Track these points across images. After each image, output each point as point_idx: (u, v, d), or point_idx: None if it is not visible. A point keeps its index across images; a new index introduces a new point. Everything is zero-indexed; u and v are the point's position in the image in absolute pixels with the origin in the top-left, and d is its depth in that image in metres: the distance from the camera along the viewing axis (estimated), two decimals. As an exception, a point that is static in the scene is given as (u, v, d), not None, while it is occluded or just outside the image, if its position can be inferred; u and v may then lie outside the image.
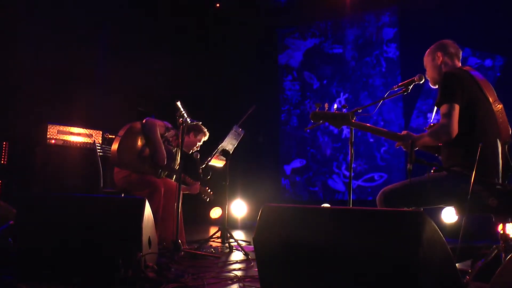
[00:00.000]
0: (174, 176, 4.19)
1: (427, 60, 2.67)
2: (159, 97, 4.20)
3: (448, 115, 2.30)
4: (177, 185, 3.50)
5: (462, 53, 2.65)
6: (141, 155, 3.86)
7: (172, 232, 3.57)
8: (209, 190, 4.30)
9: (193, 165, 3.99)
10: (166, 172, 4.11)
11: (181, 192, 3.56)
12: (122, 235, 2.39)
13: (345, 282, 1.69)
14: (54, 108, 5.20)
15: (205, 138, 4.28)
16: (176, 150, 4.16)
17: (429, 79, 2.67)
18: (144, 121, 3.92)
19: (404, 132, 2.49)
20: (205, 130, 4.25)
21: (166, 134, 4.05)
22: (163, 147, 3.90)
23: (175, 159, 4.13)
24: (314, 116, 2.65)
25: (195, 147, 4.24)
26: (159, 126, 3.95)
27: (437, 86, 2.59)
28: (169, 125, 4.09)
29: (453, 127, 2.29)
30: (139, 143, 3.88)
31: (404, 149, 2.50)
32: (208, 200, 4.34)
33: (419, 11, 5.72)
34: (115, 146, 3.79)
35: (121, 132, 3.83)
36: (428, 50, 2.67)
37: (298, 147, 6.91)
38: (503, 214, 2.20)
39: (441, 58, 2.58)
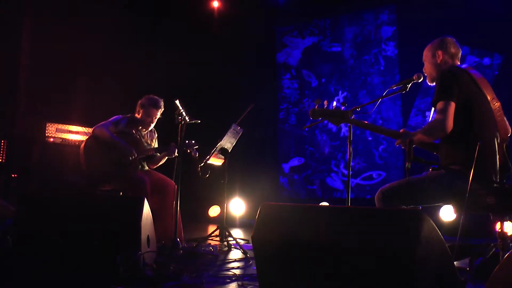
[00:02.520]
0: (159, 154, 4.11)
1: (426, 55, 2.66)
2: (158, 96, 4.21)
3: (443, 111, 2.31)
4: (174, 183, 3.49)
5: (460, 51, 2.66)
6: (111, 161, 3.83)
7: (170, 230, 3.57)
8: (191, 142, 3.94)
9: (191, 164, 3.99)
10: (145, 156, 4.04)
11: (179, 190, 3.56)
12: (121, 234, 2.40)
13: (343, 280, 1.70)
14: (52, 106, 5.20)
15: (160, 109, 4.03)
16: (139, 134, 4.08)
17: (426, 74, 2.66)
18: (92, 131, 3.88)
19: (402, 130, 2.49)
20: (155, 101, 4.00)
21: (119, 128, 3.93)
22: (122, 143, 3.83)
23: (141, 143, 4.01)
24: (313, 113, 2.65)
25: (151, 122, 4.05)
26: (107, 127, 3.87)
27: (434, 84, 2.60)
28: (117, 118, 3.98)
29: (448, 124, 2.30)
30: (102, 152, 3.82)
31: (403, 147, 2.51)
32: (197, 152, 3.95)
33: (418, 10, 5.72)
34: (86, 170, 3.78)
35: (82, 155, 3.80)
36: (429, 45, 2.66)
37: (296, 145, 6.92)
38: (501, 212, 2.21)
39: (441, 57, 2.58)
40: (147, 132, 4.19)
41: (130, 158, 3.80)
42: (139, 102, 4.06)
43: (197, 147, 3.96)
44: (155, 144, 4.25)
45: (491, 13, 5.20)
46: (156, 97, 4.07)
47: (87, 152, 3.81)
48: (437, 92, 2.39)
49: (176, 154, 3.92)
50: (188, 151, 3.94)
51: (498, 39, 5.23)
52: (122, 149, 3.81)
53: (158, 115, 4.08)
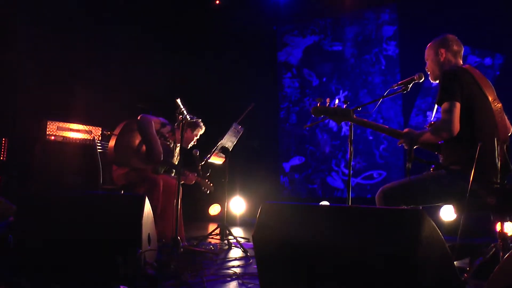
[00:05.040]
0: (174, 171, 4.18)
1: (429, 54, 2.65)
2: (159, 94, 4.21)
3: (449, 112, 2.31)
4: (176, 182, 3.50)
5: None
6: (138, 152, 3.85)
7: (171, 229, 3.58)
8: (208, 182, 4.23)
9: (192, 162, 3.99)
10: (165, 168, 4.11)
11: (181, 189, 3.57)
12: (122, 232, 2.40)
13: (344, 279, 1.70)
14: (53, 105, 5.20)
15: (202, 132, 4.25)
16: (173, 145, 4.15)
17: (429, 72, 2.66)
18: (139, 117, 3.91)
19: (406, 130, 2.49)
20: (201, 124, 4.22)
21: (162, 130, 4.03)
22: (159, 143, 3.88)
23: (172, 154, 4.13)
24: (315, 111, 2.65)
25: (192, 142, 4.23)
26: (155, 122, 3.94)
27: (437, 82, 2.59)
28: (165, 121, 4.07)
29: (455, 124, 2.29)
30: (136, 140, 3.87)
31: (406, 147, 2.51)
32: (208, 192, 4.25)
33: (419, 9, 5.71)
34: (112, 144, 3.80)
35: (117, 130, 3.83)
36: (431, 43, 2.65)
37: (297, 144, 6.92)
38: (501, 212, 2.22)
39: (444, 55, 2.57)
40: (179, 148, 4.24)
41: (156, 160, 3.85)
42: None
43: (211, 190, 4.23)
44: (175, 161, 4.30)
45: (492, 13, 5.19)
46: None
47: (124, 131, 3.84)
48: (441, 92, 2.39)
49: (192, 182, 4.11)
50: (204, 188, 4.19)
51: (499, 39, 5.22)
52: (153, 147, 3.84)
53: (198, 137, 4.22)
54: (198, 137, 4.24)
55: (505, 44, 5.23)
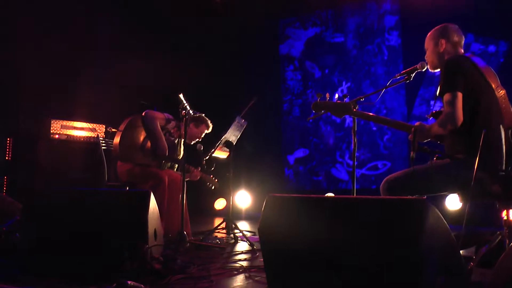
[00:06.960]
0: (177, 166, 4.19)
1: (429, 43, 2.63)
2: (161, 90, 4.21)
3: (452, 103, 2.29)
4: (181, 177, 3.51)
5: (465, 39, 2.63)
6: (143, 148, 3.87)
7: (177, 223, 3.59)
8: (213, 178, 4.27)
9: (196, 157, 4.00)
10: (169, 164, 4.12)
11: (185, 184, 3.58)
12: (128, 228, 2.41)
13: (349, 271, 1.71)
14: (57, 103, 5.21)
15: (208, 130, 4.27)
16: (178, 141, 4.17)
17: (427, 61, 2.63)
18: (144, 113, 3.92)
19: (417, 124, 2.46)
20: (208, 121, 4.24)
21: (167, 125, 4.05)
22: (164, 139, 3.90)
23: (177, 150, 4.15)
24: (315, 107, 2.65)
25: (197, 138, 4.24)
26: (160, 118, 3.96)
27: (436, 70, 2.59)
28: (170, 117, 4.08)
29: (458, 116, 2.29)
30: (141, 136, 3.89)
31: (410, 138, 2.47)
32: (213, 188, 4.29)
33: (421, -2, 5.67)
34: (116, 140, 3.81)
35: (122, 126, 3.85)
36: (432, 32, 2.62)
37: (300, 137, 6.91)
38: (506, 200, 2.21)
39: (444, 46, 2.55)
40: (182, 143, 4.26)
41: (160, 155, 3.86)
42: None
43: (215, 186, 4.31)
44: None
45: (496, 0, 5.14)
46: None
47: (129, 127, 3.86)
48: (443, 83, 2.38)
49: (197, 178, 4.14)
50: (208, 184, 4.25)
51: (504, 26, 5.18)
52: (158, 142, 3.86)
53: (203, 134, 4.25)
54: (203, 134, 4.25)
55: (509, 31, 5.18)
